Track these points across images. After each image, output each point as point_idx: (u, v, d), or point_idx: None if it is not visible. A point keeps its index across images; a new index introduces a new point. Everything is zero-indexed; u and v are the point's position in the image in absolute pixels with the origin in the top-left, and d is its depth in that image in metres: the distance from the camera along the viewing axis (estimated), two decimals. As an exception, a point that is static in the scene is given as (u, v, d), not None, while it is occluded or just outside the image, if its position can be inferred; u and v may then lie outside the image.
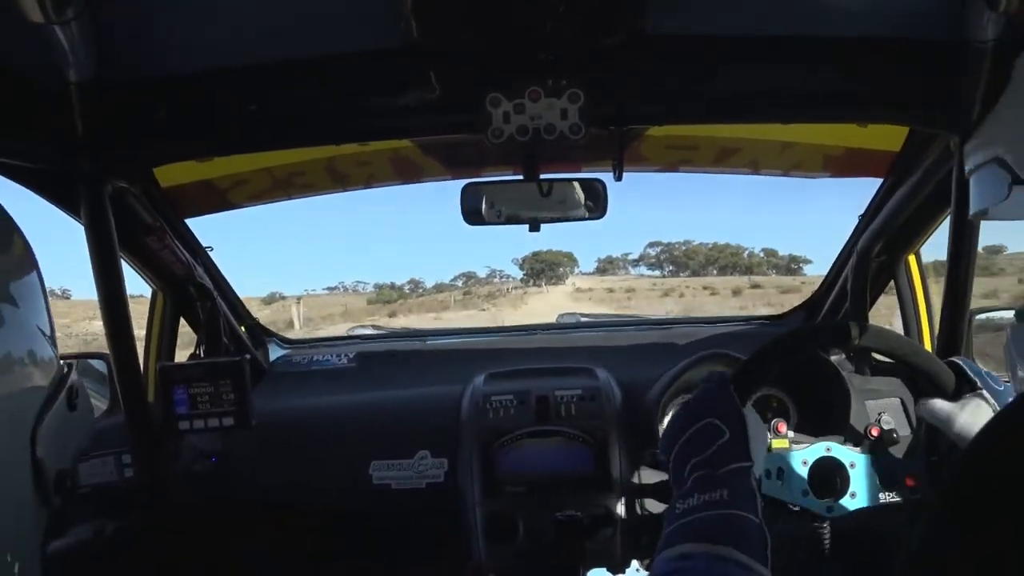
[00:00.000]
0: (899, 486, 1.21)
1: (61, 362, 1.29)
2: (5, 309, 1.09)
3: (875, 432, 1.34)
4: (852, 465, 1.22)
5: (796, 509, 1.20)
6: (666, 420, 1.61)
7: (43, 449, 1.19)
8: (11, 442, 1.14)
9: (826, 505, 1.20)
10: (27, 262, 1.19)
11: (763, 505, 0.82)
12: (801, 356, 1.18)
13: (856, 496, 1.20)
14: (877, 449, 1.31)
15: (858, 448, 1.26)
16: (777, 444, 1.22)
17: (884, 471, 1.21)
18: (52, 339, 1.25)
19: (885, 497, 1.20)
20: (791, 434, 1.31)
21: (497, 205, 1.51)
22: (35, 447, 1.17)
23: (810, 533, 1.24)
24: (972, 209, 1.18)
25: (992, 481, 0.46)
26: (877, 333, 1.10)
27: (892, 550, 1.22)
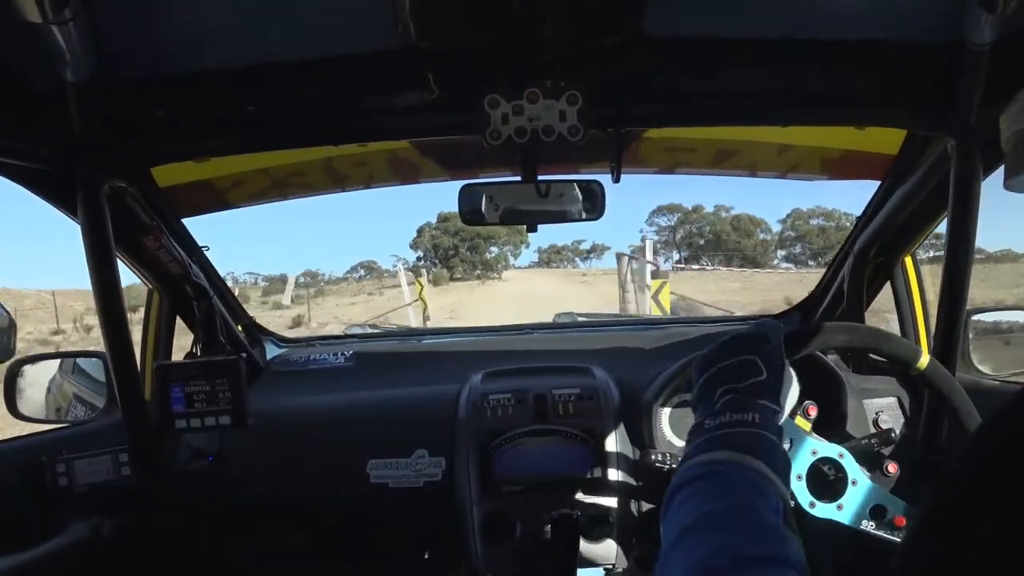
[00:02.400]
0: (886, 524, 1.20)
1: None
2: None
3: (892, 470, 1.32)
4: (854, 483, 1.21)
5: None
6: (663, 421, 1.62)
7: None
8: None
9: (810, 500, 1.20)
10: None
11: None
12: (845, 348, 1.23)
13: (841, 510, 1.19)
14: (887, 484, 1.30)
15: (870, 473, 1.26)
16: (799, 423, 1.22)
17: (880, 504, 1.21)
18: None
19: (866, 526, 1.20)
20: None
21: (495, 206, 1.51)
22: None
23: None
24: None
25: (987, 483, 0.47)
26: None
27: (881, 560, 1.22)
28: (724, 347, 0.92)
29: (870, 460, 1.28)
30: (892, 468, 1.31)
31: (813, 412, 1.25)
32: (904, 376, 1.61)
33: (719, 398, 0.85)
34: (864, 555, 1.20)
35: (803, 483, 1.20)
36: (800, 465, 1.21)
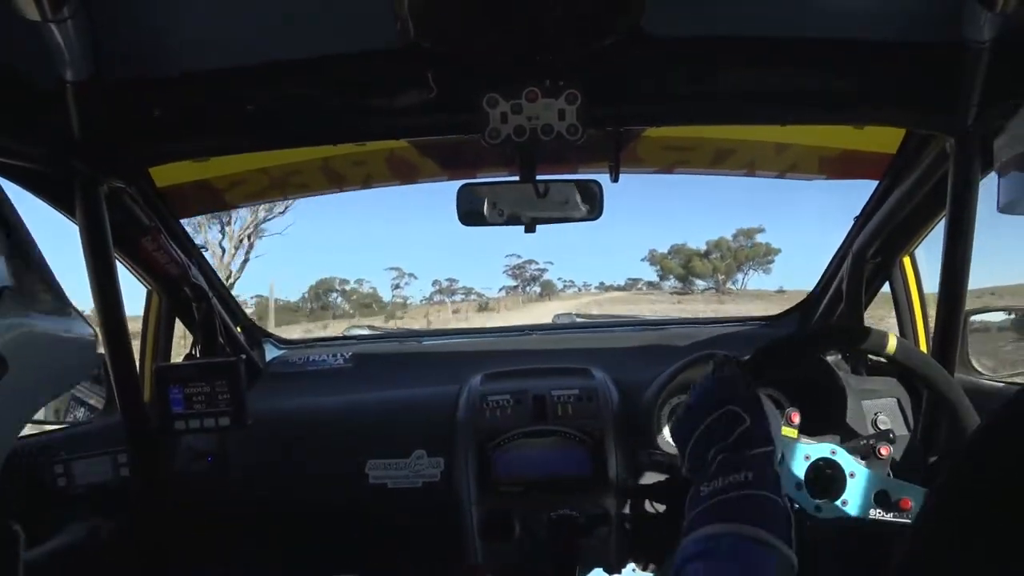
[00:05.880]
0: (893, 507, 1.20)
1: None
2: None
3: (885, 452, 1.33)
4: (852, 475, 1.21)
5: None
6: (662, 421, 1.62)
7: None
8: None
9: (815, 504, 1.20)
10: None
11: None
12: (812, 356, 1.24)
13: (847, 505, 1.20)
14: (883, 467, 1.30)
15: (864, 461, 1.26)
16: (786, 432, 1.22)
17: (882, 489, 1.21)
18: None
19: (875, 514, 1.20)
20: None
21: (494, 205, 1.51)
22: None
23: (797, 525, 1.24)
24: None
25: (989, 476, 0.47)
26: (908, 351, 1.12)
27: (875, 553, 1.23)
28: (698, 407, 0.93)
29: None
30: (884, 451, 1.32)
31: (796, 418, 1.25)
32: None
33: (712, 460, 0.85)
34: (871, 543, 1.21)
35: (803, 491, 1.20)
36: (797, 472, 1.21)
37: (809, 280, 2.05)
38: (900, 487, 1.21)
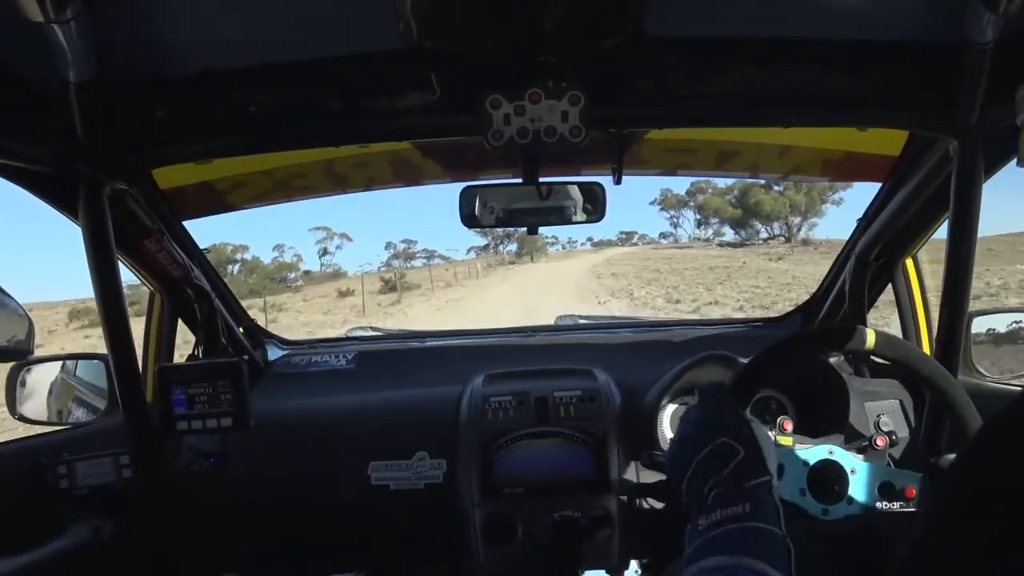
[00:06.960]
0: (898, 497, 1.20)
1: None
2: None
3: (881, 442, 1.34)
4: (853, 471, 1.22)
5: (790, 506, 1.20)
6: (665, 423, 1.62)
7: None
8: None
9: (822, 507, 1.20)
10: None
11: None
12: (797, 359, 1.24)
13: (853, 503, 1.20)
14: (880, 457, 1.31)
15: (862, 455, 1.26)
16: (781, 441, 1.23)
17: (885, 480, 1.21)
18: None
19: (882, 506, 1.20)
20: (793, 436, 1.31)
21: (495, 207, 1.52)
22: None
23: (801, 530, 1.24)
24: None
25: (987, 484, 0.47)
26: (894, 345, 1.11)
27: (888, 551, 1.23)
28: (690, 441, 0.91)
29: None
30: (880, 441, 1.33)
31: (789, 426, 1.26)
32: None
33: (708, 493, 0.85)
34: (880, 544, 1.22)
35: (808, 496, 1.20)
36: (799, 479, 1.21)
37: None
38: (902, 475, 1.22)
